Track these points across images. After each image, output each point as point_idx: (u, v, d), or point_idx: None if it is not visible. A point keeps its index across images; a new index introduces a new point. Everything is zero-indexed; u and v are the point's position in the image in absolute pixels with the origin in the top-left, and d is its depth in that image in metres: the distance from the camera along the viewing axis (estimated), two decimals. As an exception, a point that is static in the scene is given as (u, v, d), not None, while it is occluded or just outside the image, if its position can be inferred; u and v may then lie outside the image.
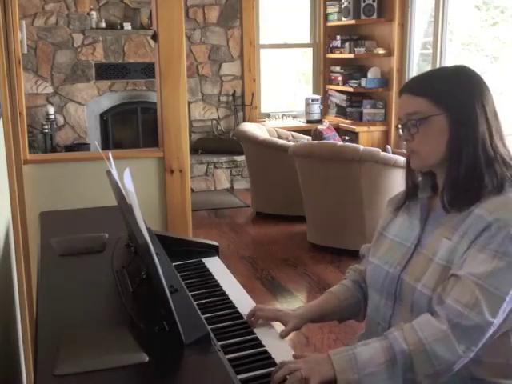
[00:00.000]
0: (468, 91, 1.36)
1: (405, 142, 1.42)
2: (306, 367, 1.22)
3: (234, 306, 1.57)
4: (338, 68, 6.76)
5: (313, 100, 6.74)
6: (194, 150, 6.53)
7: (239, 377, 1.20)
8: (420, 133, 1.37)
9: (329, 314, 1.58)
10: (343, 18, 6.41)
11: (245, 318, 1.50)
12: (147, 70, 6.47)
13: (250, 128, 5.63)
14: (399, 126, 1.42)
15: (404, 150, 1.48)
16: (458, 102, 1.35)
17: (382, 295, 1.46)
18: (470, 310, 1.22)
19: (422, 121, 1.36)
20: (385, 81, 6.21)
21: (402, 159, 4.22)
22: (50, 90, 6.30)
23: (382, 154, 4.18)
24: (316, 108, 6.74)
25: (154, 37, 2.62)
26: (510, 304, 1.25)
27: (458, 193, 1.35)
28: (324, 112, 6.87)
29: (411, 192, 1.50)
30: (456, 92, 1.36)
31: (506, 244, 1.24)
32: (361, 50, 6.29)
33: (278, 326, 1.51)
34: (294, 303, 3.68)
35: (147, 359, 1.14)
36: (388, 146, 5.53)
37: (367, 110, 6.36)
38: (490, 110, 1.36)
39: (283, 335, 1.45)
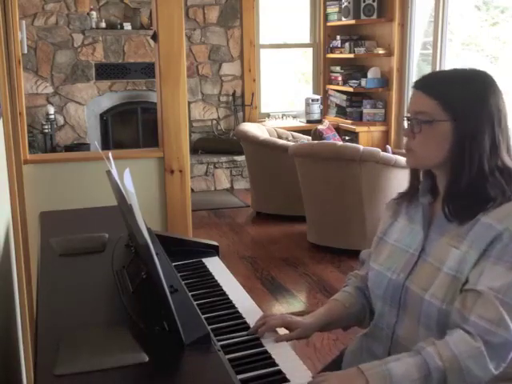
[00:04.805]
0: (480, 103, 1.33)
1: (405, 138, 1.40)
2: (338, 382, 1.20)
3: (233, 306, 1.57)
4: (337, 68, 6.76)
5: (313, 100, 6.73)
6: (194, 150, 6.53)
7: (239, 377, 1.20)
8: (422, 134, 1.35)
9: (335, 322, 1.56)
10: (343, 18, 6.41)
11: (245, 318, 1.48)
12: (147, 70, 6.46)
13: (250, 128, 5.63)
14: (405, 118, 1.40)
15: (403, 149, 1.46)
16: (468, 112, 1.32)
17: (386, 302, 1.44)
18: (496, 326, 1.20)
19: (427, 123, 1.34)
20: (385, 81, 6.21)
21: (402, 159, 4.23)
22: (50, 90, 6.30)
23: (382, 153, 4.18)
24: (316, 108, 6.74)
25: (154, 37, 2.62)
26: None
27: (460, 203, 1.33)
28: (324, 112, 6.87)
29: (413, 191, 1.48)
30: (468, 102, 1.33)
31: None
32: (361, 50, 6.29)
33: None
34: (294, 303, 3.68)
35: (147, 359, 1.15)
36: (388, 145, 5.53)
37: (367, 110, 6.36)
38: (499, 121, 1.33)
39: (279, 340, 1.39)
